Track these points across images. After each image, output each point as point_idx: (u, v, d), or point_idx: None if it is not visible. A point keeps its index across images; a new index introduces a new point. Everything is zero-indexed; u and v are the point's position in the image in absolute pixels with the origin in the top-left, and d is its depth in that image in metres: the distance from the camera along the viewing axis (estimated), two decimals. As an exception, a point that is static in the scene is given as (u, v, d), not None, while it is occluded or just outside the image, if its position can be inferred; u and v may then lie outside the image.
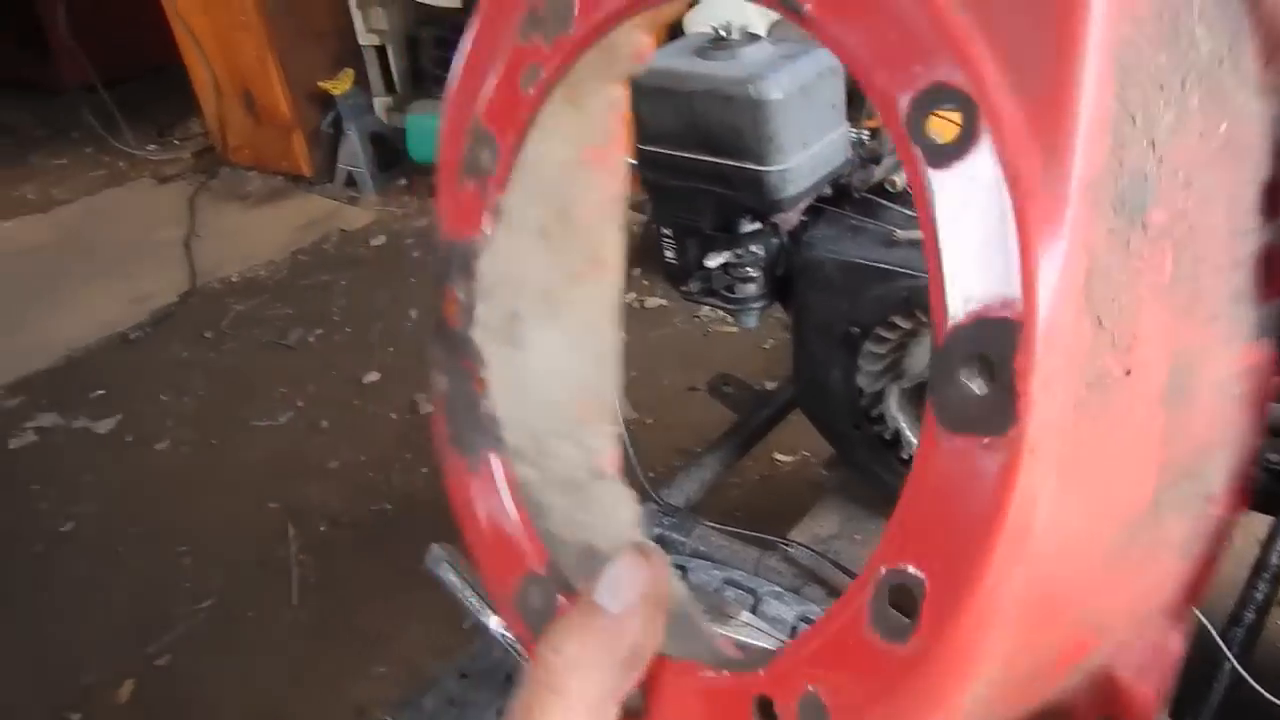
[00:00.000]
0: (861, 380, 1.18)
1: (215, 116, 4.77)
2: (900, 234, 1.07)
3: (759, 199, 1.10)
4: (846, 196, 1.18)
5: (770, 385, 2.82)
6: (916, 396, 1.17)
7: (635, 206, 4.02)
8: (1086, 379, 0.30)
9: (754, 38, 1.08)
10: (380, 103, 4.37)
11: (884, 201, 1.15)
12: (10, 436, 3.04)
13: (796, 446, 2.50)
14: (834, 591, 1.23)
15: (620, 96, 0.46)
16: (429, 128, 4.05)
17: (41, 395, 3.24)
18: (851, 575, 1.22)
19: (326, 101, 4.35)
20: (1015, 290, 0.28)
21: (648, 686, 0.40)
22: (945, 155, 0.29)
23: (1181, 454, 0.35)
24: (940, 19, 0.29)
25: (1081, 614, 0.35)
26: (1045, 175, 0.28)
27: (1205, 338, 0.34)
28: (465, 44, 0.46)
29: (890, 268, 1.06)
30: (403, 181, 4.44)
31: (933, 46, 0.29)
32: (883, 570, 0.32)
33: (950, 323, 0.30)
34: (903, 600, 0.31)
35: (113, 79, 5.21)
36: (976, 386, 0.29)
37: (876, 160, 1.20)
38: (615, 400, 0.49)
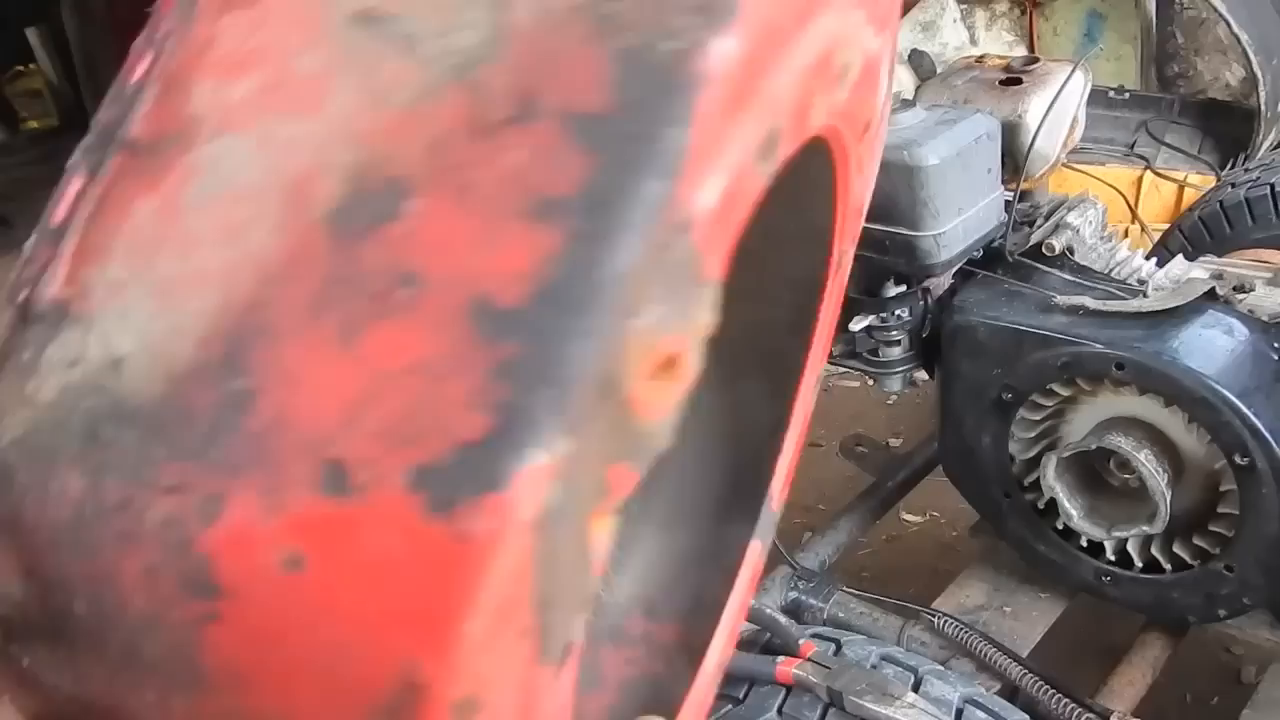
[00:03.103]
0: (1014, 447, 1.15)
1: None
2: (1060, 299, 1.04)
3: (911, 264, 1.09)
4: (1000, 260, 1.16)
5: (894, 442, 2.75)
6: (1075, 465, 1.13)
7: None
8: None
9: (907, 103, 1.08)
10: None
11: (1040, 266, 1.13)
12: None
13: (925, 507, 2.42)
14: (984, 666, 1.19)
15: None
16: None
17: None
18: (1003, 650, 1.17)
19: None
20: None
21: None
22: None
23: None
24: None
25: None
26: None
27: None
28: None
29: (1050, 334, 1.03)
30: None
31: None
32: None
33: None
34: None
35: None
36: None
37: (1031, 223, 1.17)
38: None
